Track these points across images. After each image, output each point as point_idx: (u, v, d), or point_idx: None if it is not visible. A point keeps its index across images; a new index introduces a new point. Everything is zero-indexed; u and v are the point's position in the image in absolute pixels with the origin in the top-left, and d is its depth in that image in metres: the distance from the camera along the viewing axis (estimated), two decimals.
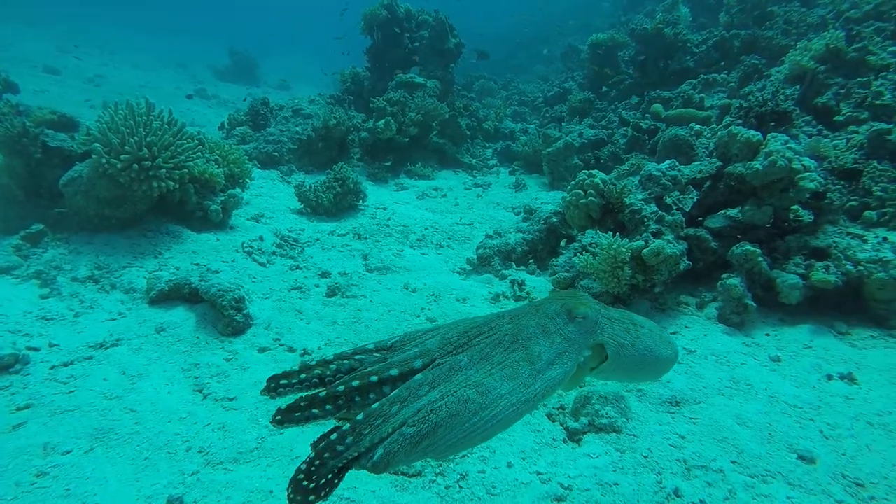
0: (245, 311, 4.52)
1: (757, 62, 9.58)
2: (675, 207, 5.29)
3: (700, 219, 5.46)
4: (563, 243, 6.16)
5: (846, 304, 4.67)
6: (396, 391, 1.74)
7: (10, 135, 5.38)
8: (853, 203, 5.27)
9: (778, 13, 10.60)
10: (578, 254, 5.11)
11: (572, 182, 5.77)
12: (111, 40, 25.88)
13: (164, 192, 5.65)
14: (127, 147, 5.34)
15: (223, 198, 6.49)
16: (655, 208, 5.16)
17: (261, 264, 5.75)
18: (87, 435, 3.21)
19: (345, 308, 5.03)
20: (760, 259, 4.77)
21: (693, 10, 13.68)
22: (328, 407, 1.70)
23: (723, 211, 5.42)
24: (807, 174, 4.77)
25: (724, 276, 4.81)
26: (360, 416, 1.66)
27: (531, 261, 6.15)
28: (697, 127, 8.10)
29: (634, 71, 12.39)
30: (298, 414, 1.68)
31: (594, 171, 5.68)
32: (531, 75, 21.89)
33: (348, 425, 1.65)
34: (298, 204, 7.66)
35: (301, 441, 3.24)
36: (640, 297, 5.01)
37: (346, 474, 1.60)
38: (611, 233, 4.91)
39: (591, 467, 3.12)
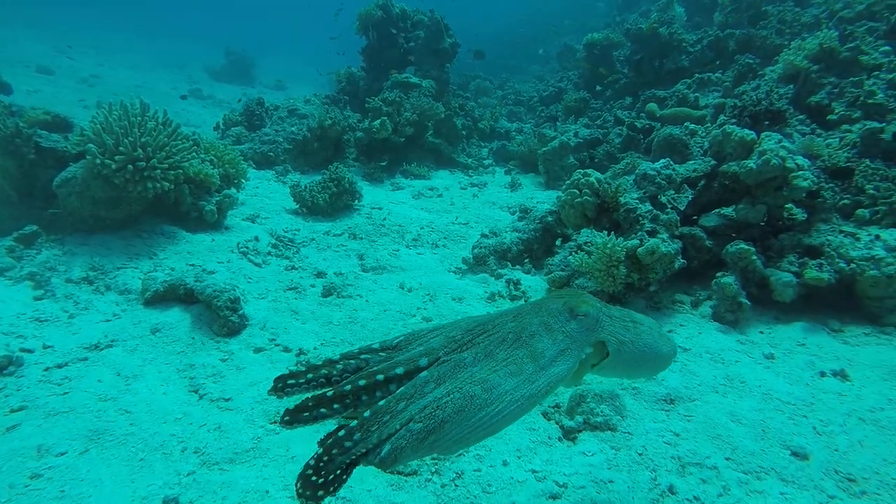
0: (240, 312, 4.51)
1: (751, 61, 9.62)
2: (669, 206, 5.32)
3: (695, 217, 5.49)
4: (558, 242, 6.17)
5: (839, 302, 4.70)
6: (403, 388, 1.76)
7: (3, 135, 5.36)
8: (846, 201, 5.30)
9: (772, 13, 10.65)
10: (574, 253, 5.13)
11: (567, 181, 5.79)
12: (110, 41, 25.82)
13: (159, 193, 5.64)
14: (121, 148, 5.32)
15: (218, 198, 6.48)
16: (650, 207, 5.19)
17: (256, 265, 5.74)
18: (81, 436, 3.20)
19: (341, 308, 5.03)
20: (754, 257, 4.80)
21: (688, 9, 13.74)
22: (336, 406, 1.72)
23: (717, 210, 5.45)
24: (800, 173, 4.80)
25: (718, 274, 4.84)
26: (367, 413, 1.68)
27: (527, 260, 6.16)
28: (692, 126, 8.12)
29: (629, 70, 12.42)
30: (307, 414, 1.70)
31: (589, 171, 5.70)
32: (527, 75, 21.94)
33: (356, 422, 1.66)
34: (294, 204, 7.65)
35: (297, 441, 3.24)
36: (636, 295, 5.03)
37: (353, 470, 1.61)
38: (606, 232, 4.93)
39: (586, 465, 3.13)
